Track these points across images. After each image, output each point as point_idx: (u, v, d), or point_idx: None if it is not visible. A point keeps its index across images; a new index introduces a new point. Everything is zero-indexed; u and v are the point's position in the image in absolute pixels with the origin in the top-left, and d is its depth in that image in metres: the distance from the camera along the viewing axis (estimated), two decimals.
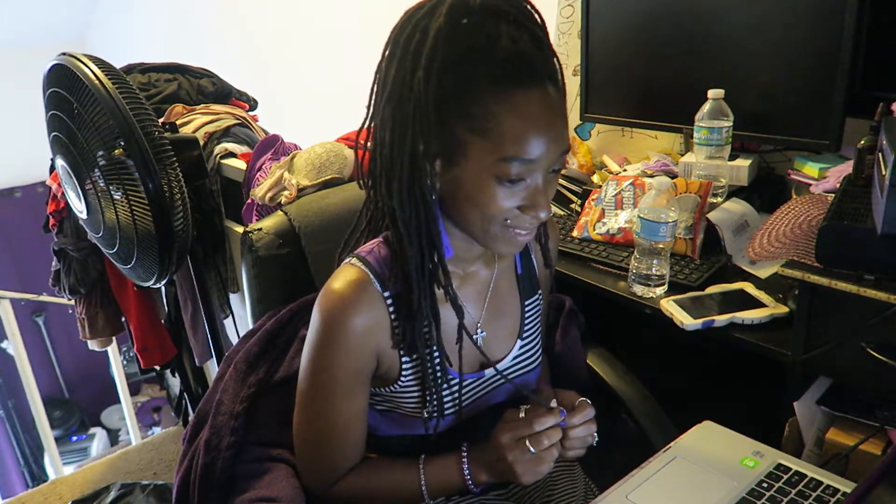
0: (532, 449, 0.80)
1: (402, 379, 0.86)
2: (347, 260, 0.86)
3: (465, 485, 0.86)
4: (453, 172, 0.76)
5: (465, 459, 0.86)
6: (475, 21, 0.72)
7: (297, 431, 0.89)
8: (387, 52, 0.77)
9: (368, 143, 0.82)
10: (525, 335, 0.96)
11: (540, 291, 0.99)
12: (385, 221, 0.87)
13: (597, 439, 0.87)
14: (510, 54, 0.71)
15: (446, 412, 0.88)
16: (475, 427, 0.92)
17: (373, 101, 0.80)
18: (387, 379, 0.87)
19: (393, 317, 0.84)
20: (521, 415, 0.83)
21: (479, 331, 0.91)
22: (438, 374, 0.86)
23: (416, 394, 0.87)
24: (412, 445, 0.91)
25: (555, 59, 0.76)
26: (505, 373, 0.94)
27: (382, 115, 0.77)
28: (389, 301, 0.83)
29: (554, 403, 0.83)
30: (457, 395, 0.90)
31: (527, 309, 0.97)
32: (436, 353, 0.85)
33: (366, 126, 0.82)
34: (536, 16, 0.76)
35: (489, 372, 0.93)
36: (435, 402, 0.87)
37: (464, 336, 0.89)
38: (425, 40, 0.72)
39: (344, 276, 0.83)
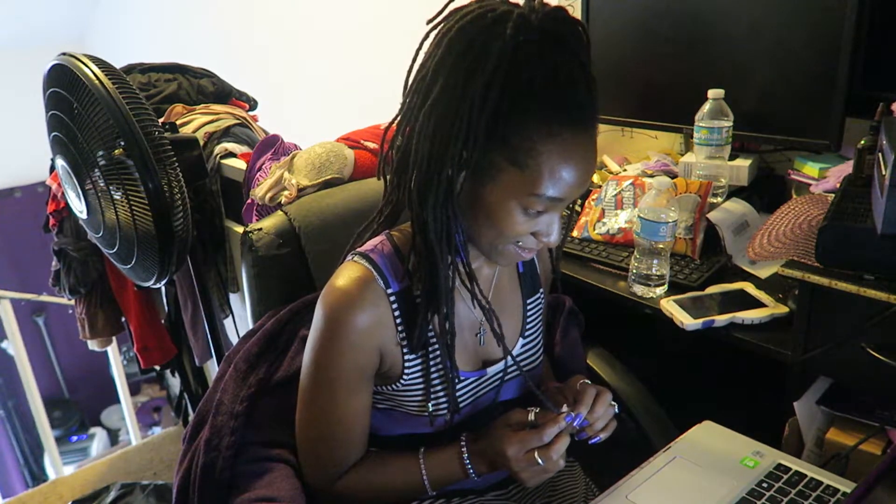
0: (540, 462, 0.80)
1: (405, 377, 0.86)
2: (350, 257, 0.86)
3: (467, 475, 0.86)
4: (477, 189, 0.77)
5: (464, 452, 0.86)
6: (535, 43, 0.71)
7: (299, 429, 0.89)
8: (437, 55, 0.74)
9: (397, 141, 0.81)
10: (527, 333, 0.96)
11: (542, 290, 0.99)
12: (399, 217, 0.88)
13: (617, 408, 0.87)
14: (566, 98, 0.72)
15: (450, 410, 0.88)
16: (476, 425, 0.92)
17: (408, 101, 0.78)
18: (389, 377, 0.87)
19: (396, 314, 0.84)
20: (531, 417, 0.83)
21: (481, 329, 0.91)
22: (450, 373, 0.86)
23: (419, 392, 0.87)
24: (414, 445, 0.91)
25: (596, 90, 0.76)
26: (507, 371, 0.94)
27: (422, 122, 0.75)
28: (393, 298, 0.83)
29: (565, 408, 0.83)
30: (463, 392, 0.90)
31: (529, 307, 0.97)
32: (439, 351, 0.85)
33: (395, 124, 0.81)
34: (585, 37, 0.75)
35: (491, 370, 0.93)
36: (443, 401, 0.87)
37: (469, 334, 0.90)
38: (486, 58, 0.71)
39: (347, 273, 0.83)
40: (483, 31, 0.72)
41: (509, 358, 0.94)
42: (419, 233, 0.79)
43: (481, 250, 0.84)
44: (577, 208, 1.43)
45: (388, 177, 0.85)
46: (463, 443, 0.87)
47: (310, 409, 0.87)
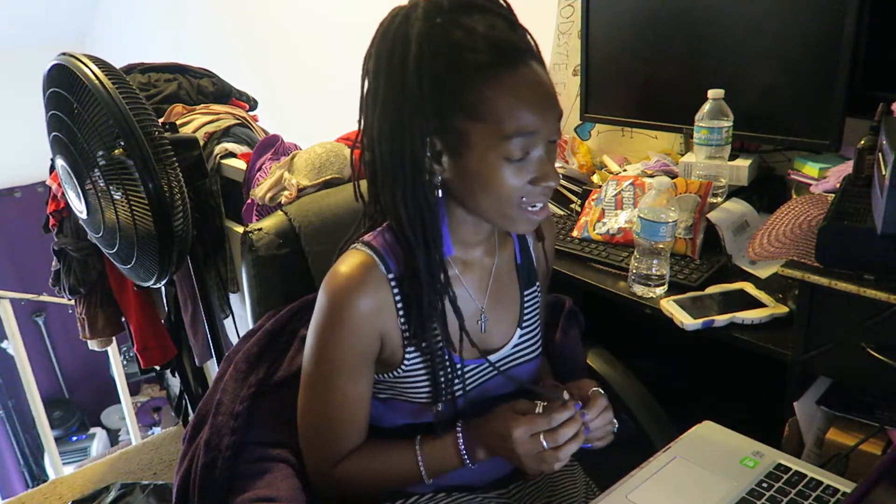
0: (545, 444, 0.80)
1: (406, 364, 0.87)
2: (353, 246, 0.87)
3: (462, 463, 0.86)
4: (460, 163, 0.78)
5: (460, 438, 0.86)
6: (450, 19, 0.75)
7: (301, 413, 0.90)
8: (370, 68, 0.80)
9: (365, 157, 0.84)
10: (525, 324, 0.97)
11: (538, 284, 1.00)
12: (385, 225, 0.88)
13: (617, 426, 0.87)
14: (490, 41, 0.75)
15: (449, 398, 0.88)
16: (479, 414, 0.92)
17: (364, 117, 0.82)
18: (390, 363, 0.88)
19: (398, 299, 0.85)
20: (538, 410, 0.83)
21: (483, 317, 0.92)
22: (446, 360, 0.87)
23: (420, 380, 0.88)
24: (415, 434, 0.92)
25: (529, 36, 0.79)
26: (507, 359, 0.95)
27: (380, 129, 0.79)
28: (394, 284, 0.84)
29: (567, 396, 0.83)
30: (460, 382, 0.90)
31: (526, 298, 0.97)
32: (440, 341, 0.86)
33: (359, 141, 0.84)
34: (503, 2, 0.79)
35: (492, 359, 0.93)
36: (442, 388, 0.88)
37: (470, 323, 0.90)
38: (409, 47, 0.75)
39: (350, 259, 0.84)
40: (400, 27, 0.76)
41: (508, 347, 0.95)
42: (396, 227, 0.83)
43: (496, 224, 0.85)
44: (577, 208, 1.43)
45: (363, 196, 0.88)
46: (458, 429, 0.86)
47: (311, 394, 0.88)
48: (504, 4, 0.79)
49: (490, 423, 0.85)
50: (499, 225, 0.85)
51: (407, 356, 0.87)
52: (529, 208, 0.81)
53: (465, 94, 0.75)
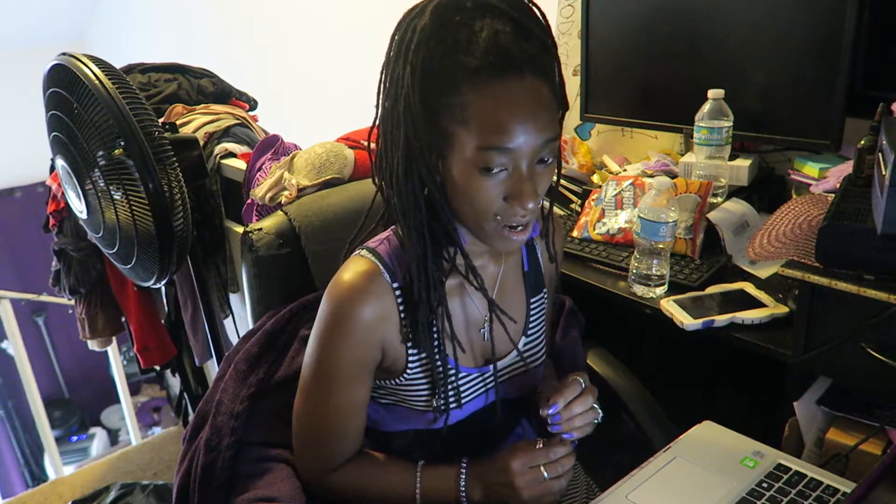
0: (546, 475, 0.81)
1: (408, 372, 0.87)
2: (357, 252, 0.86)
3: (457, 498, 0.86)
4: (445, 165, 0.78)
5: (463, 474, 0.86)
6: (465, 17, 0.73)
7: (296, 418, 0.90)
8: (386, 55, 0.79)
9: (378, 142, 0.84)
10: (530, 332, 0.96)
11: (545, 290, 0.99)
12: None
13: (601, 415, 0.86)
14: (488, 46, 0.72)
15: (452, 405, 0.88)
16: (479, 422, 0.92)
17: (379, 102, 0.82)
18: (392, 371, 0.87)
19: (401, 308, 0.84)
20: (538, 446, 0.83)
21: (485, 325, 0.92)
22: (440, 368, 0.86)
23: (422, 387, 0.87)
24: (416, 440, 0.92)
25: (541, 48, 0.75)
26: (511, 367, 0.95)
27: (384, 114, 0.80)
28: (398, 293, 0.84)
29: (568, 436, 0.83)
30: (466, 389, 0.90)
31: (532, 306, 0.97)
32: (439, 346, 0.86)
33: (374, 126, 0.84)
34: (534, 9, 0.77)
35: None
36: (442, 396, 0.87)
37: (473, 330, 0.90)
38: (413, 38, 0.74)
39: (354, 266, 0.84)
40: (414, 18, 0.76)
41: (511, 354, 0.94)
42: (397, 218, 0.82)
43: (476, 235, 0.83)
44: (577, 208, 1.43)
45: (376, 179, 0.87)
46: (463, 464, 0.86)
47: (307, 400, 0.88)
48: (534, 13, 0.76)
49: (492, 460, 0.85)
50: (479, 238, 0.83)
51: (410, 365, 0.86)
52: (505, 227, 0.79)
53: (451, 94, 0.74)
